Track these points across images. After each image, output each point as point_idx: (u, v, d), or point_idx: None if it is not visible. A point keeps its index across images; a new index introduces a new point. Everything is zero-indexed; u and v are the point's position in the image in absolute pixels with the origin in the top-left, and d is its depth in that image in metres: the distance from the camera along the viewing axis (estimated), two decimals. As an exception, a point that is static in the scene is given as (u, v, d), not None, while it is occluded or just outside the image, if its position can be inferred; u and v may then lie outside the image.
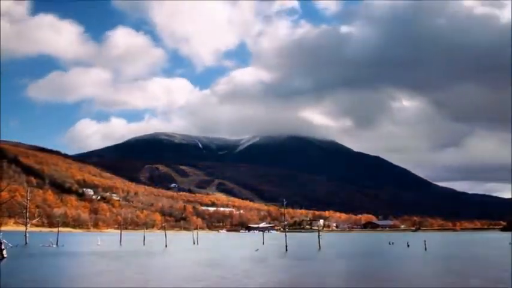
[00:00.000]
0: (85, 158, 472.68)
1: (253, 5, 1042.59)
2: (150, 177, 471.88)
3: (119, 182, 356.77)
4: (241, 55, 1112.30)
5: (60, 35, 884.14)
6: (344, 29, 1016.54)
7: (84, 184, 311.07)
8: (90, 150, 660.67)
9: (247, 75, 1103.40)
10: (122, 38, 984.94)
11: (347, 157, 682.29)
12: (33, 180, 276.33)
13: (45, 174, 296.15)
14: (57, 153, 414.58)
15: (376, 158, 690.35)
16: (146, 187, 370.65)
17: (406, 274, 32.78)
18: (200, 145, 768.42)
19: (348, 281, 27.98)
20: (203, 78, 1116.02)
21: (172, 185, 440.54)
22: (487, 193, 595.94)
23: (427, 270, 35.36)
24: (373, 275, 32.16)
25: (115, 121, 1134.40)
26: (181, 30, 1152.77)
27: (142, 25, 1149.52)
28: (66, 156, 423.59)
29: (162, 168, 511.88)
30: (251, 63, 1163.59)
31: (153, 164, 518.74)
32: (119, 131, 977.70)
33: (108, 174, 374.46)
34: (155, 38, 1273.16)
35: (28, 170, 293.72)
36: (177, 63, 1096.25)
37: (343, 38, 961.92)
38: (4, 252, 42.20)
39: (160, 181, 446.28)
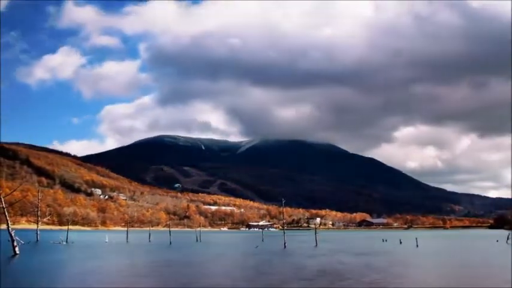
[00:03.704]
0: (93, 160, 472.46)
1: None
2: (155, 178, 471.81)
3: (125, 182, 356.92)
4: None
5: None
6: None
7: (93, 184, 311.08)
8: (98, 152, 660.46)
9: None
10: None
11: (343, 158, 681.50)
12: (44, 180, 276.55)
13: (56, 175, 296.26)
14: (67, 155, 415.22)
15: (371, 160, 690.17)
16: (151, 187, 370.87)
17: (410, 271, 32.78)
18: (203, 147, 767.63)
19: (346, 278, 27.95)
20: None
21: (176, 185, 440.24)
22: (475, 193, 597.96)
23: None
24: (374, 271, 32.18)
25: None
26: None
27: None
28: (75, 157, 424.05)
29: (167, 169, 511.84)
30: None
31: (158, 165, 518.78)
32: (126, 133, 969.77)
33: (115, 175, 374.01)
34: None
35: (39, 171, 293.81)
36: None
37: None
38: (16, 249, 42.35)
39: (164, 181, 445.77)
